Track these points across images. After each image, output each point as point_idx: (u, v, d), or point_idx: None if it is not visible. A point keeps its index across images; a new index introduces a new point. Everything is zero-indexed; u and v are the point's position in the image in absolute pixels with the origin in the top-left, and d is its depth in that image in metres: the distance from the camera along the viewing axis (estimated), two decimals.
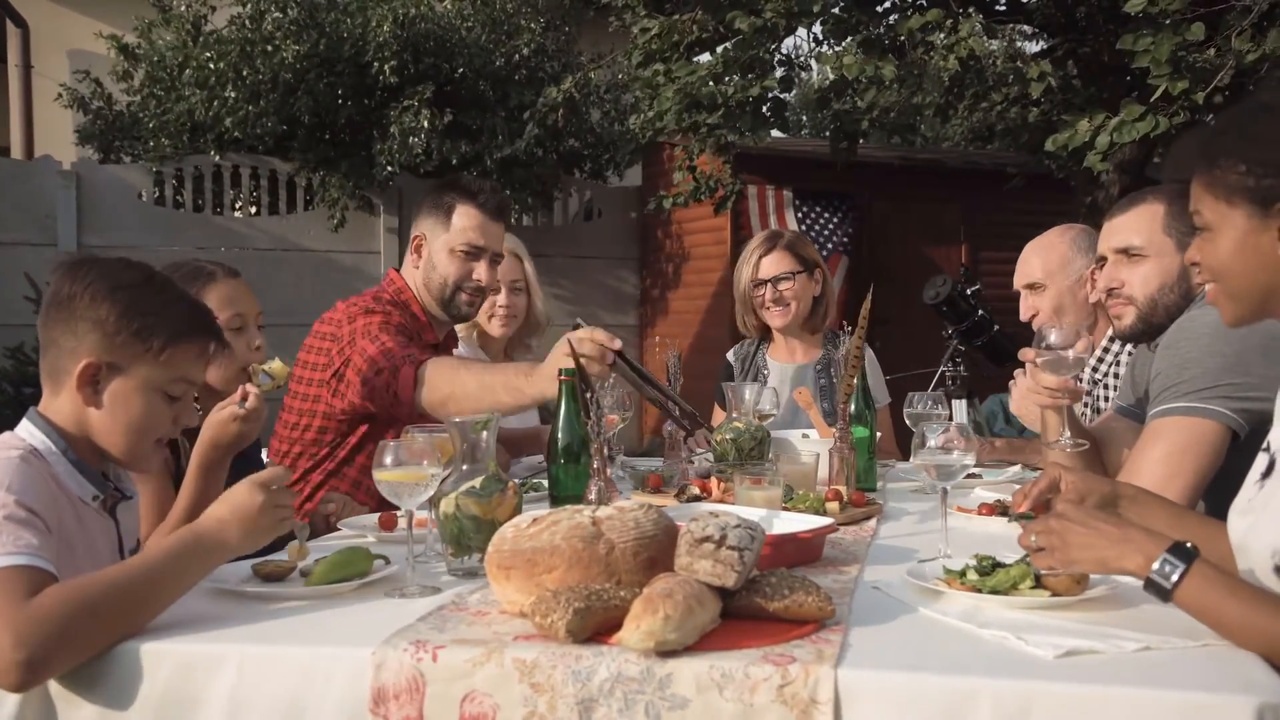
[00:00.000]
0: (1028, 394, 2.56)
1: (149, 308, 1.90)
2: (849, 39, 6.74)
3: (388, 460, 1.86)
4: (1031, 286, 3.12)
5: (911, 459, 2.11)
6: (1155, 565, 1.56)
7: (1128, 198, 2.58)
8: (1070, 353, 2.43)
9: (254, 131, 9.75)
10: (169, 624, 1.68)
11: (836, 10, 6.69)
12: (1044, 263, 3.10)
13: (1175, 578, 1.55)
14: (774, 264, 3.77)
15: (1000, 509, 2.47)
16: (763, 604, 1.60)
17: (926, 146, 15.09)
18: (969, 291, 6.89)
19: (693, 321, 10.47)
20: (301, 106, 9.68)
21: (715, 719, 1.44)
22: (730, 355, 4.00)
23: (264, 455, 2.94)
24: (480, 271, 3.14)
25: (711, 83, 6.56)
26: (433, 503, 1.98)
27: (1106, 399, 3.07)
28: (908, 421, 2.96)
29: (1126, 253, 2.54)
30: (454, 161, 9.77)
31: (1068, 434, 2.54)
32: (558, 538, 1.66)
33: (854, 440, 2.75)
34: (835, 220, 10.27)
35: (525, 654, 1.49)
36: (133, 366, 1.90)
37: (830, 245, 10.09)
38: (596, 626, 1.54)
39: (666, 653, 1.47)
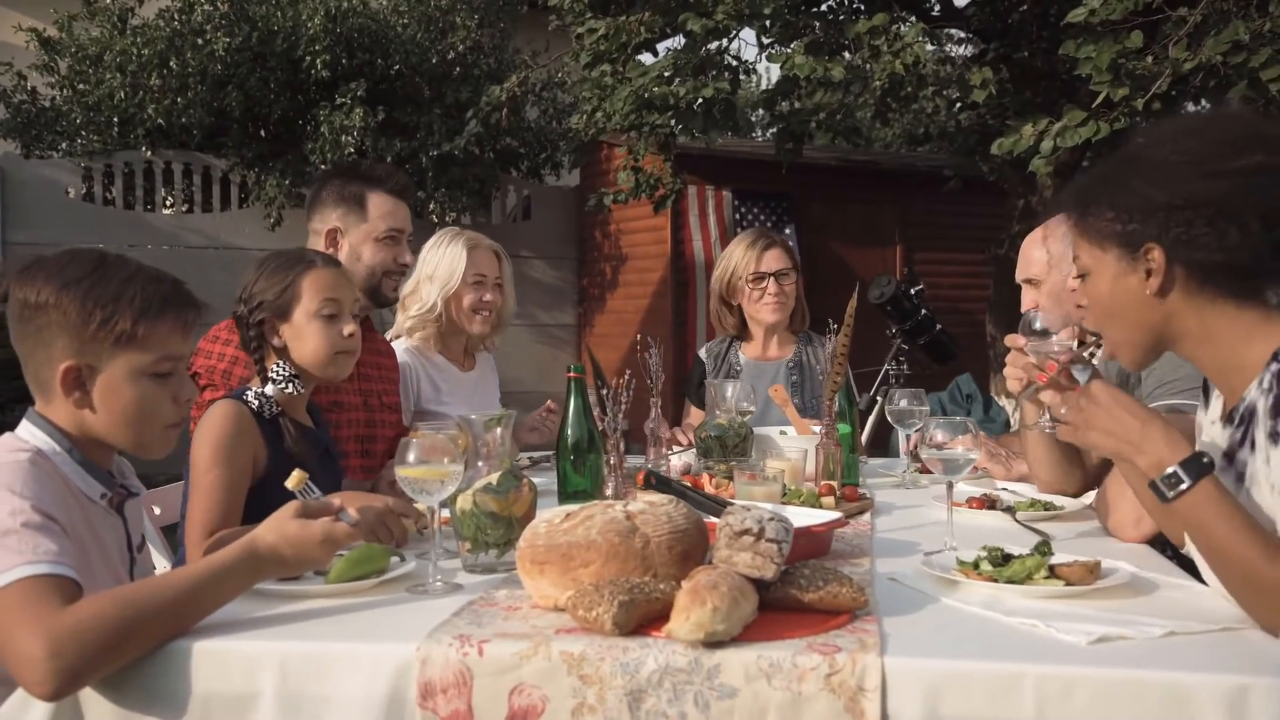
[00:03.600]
0: (1008, 377, 2.61)
1: (106, 295, 1.82)
2: (796, 41, 6.81)
3: (410, 457, 1.86)
4: (1029, 281, 3.17)
5: (921, 454, 2.15)
6: (1166, 472, 1.66)
7: None
8: (1054, 338, 2.49)
9: (181, 123, 9.59)
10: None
11: (784, 12, 6.75)
12: (1039, 258, 3.14)
13: (1181, 489, 1.64)
14: (776, 259, 3.82)
15: (989, 501, 2.53)
16: (798, 595, 1.63)
17: (863, 149, 15.28)
18: (912, 291, 7.02)
19: (632, 321, 10.51)
20: (233, 101, 9.56)
21: (763, 708, 1.47)
22: (703, 352, 4.04)
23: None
24: (405, 255, 3.17)
25: (664, 84, 6.60)
26: (448, 499, 1.98)
27: None
28: (889, 418, 3.03)
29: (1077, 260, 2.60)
30: (388, 159, 9.70)
31: (1047, 416, 2.60)
32: (593, 532, 1.68)
33: (839, 436, 2.80)
34: (773, 220, 10.38)
35: (572, 647, 1.51)
36: (111, 359, 1.84)
37: None
38: (640, 619, 1.56)
39: (714, 643, 1.49)
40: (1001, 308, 9.28)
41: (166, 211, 10.26)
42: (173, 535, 2.83)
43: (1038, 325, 2.50)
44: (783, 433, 3.26)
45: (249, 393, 2.36)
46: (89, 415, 1.86)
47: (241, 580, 1.71)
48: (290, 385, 2.40)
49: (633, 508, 1.73)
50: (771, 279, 3.81)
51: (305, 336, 2.45)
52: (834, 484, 2.59)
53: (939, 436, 2.08)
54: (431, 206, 10.21)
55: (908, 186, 11.03)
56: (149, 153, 9.85)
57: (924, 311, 6.95)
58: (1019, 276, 3.17)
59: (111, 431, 1.88)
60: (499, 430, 2.02)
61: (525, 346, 10.70)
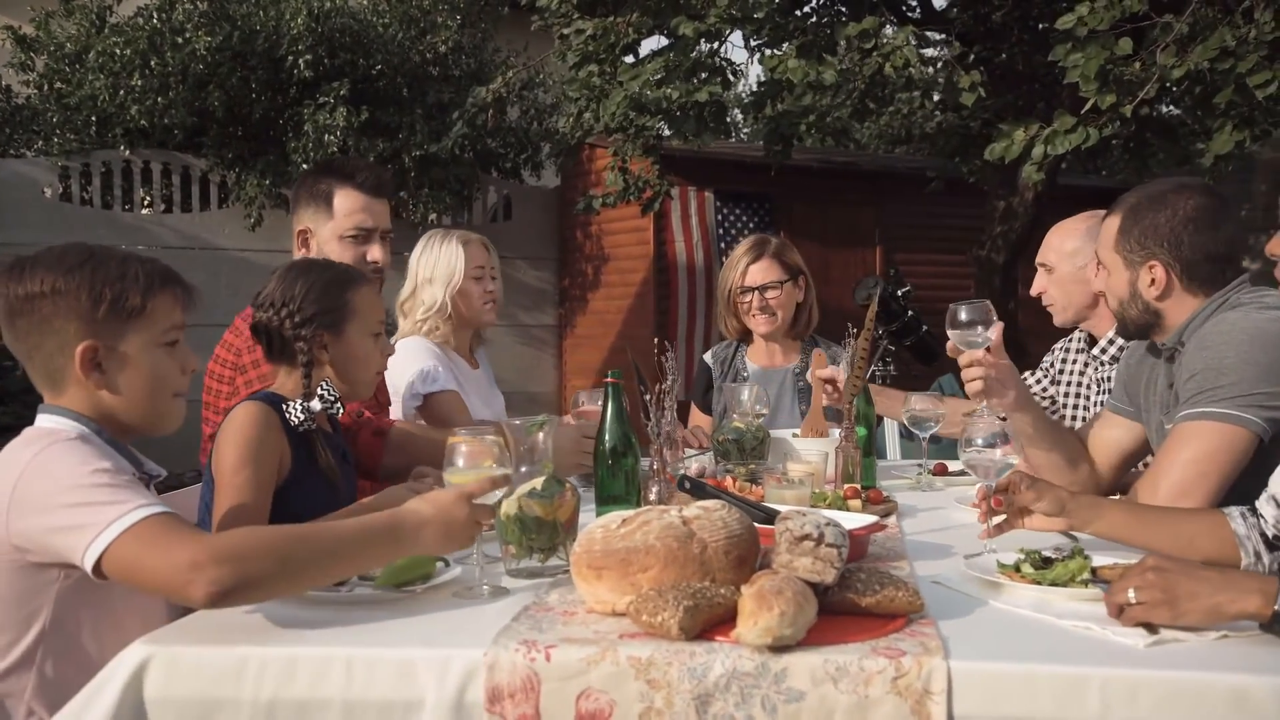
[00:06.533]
0: (965, 380, 2.66)
1: (110, 276, 1.89)
2: (786, 44, 6.84)
3: (460, 462, 1.87)
4: (1044, 265, 3.21)
5: (960, 458, 2.17)
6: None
7: (1119, 199, 2.57)
8: (979, 331, 2.53)
9: (162, 123, 9.53)
10: (253, 627, 1.67)
11: (774, 15, 6.78)
12: (1058, 246, 3.17)
13: None
14: (761, 272, 3.80)
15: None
16: (855, 599, 1.65)
17: (846, 150, 15.36)
18: (899, 293, 7.09)
19: (615, 322, 10.52)
20: (213, 100, 9.50)
21: (830, 711, 1.48)
22: (708, 357, 4.04)
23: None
24: (375, 253, 3.07)
25: (657, 87, 6.60)
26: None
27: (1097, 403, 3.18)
28: (905, 421, 3.05)
29: (1097, 260, 2.58)
30: (371, 160, 9.66)
31: (984, 405, 2.64)
32: (651, 537, 1.69)
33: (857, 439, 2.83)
34: (754, 222, 10.42)
35: (639, 652, 1.53)
36: (125, 335, 1.90)
37: None
38: (704, 624, 1.57)
39: (780, 648, 1.51)
40: None
41: (145, 211, 10.17)
42: None
43: (963, 316, 2.53)
44: (795, 435, 3.28)
45: (291, 404, 2.34)
46: (106, 395, 1.91)
47: (387, 547, 1.81)
48: (335, 408, 2.39)
49: (688, 513, 1.74)
50: (756, 293, 3.82)
51: (360, 355, 2.43)
52: (858, 486, 2.61)
53: (979, 440, 2.10)
54: (414, 207, 10.18)
55: (888, 188, 11.10)
56: (127, 152, 9.77)
57: (910, 313, 7.04)
58: (1038, 259, 3.22)
59: (130, 407, 1.93)
60: (541, 435, 2.03)
61: (506, 347, 10.69)
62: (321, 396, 2.33)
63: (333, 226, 3.03)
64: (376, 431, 2.78)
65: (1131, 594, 1.62)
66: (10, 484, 1.76)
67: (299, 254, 3.04)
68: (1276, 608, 1.56)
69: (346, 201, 3.04)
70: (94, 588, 1.83)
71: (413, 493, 2.29)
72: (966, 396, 3.35)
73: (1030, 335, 9.62)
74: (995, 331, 2.51)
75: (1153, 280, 2.44)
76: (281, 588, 1.69)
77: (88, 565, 1.67)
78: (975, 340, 2.51)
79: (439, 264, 3.53)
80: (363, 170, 3.08)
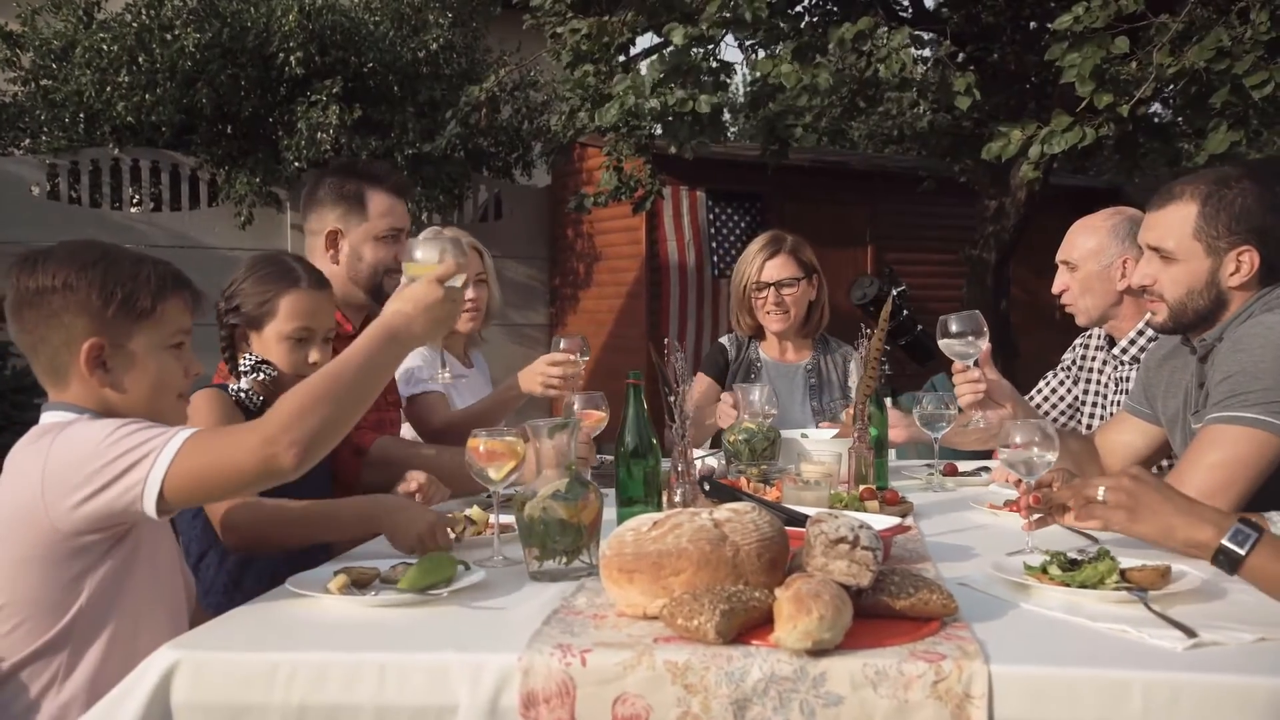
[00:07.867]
0: (958, 394, 2.68)
1: (122, 275, 1.90)
2: (782, 46, 6.83)
3: (417, 255, 2.06)
4: (1066, 263, 3.19)
5: (1000, 457, 2.16)
6: (1228, 535, 1.67)
7: (1166, 188, 2.50)
8: (970, 339, 2.54)
9: (150, 120, 9.47)
10: (283, 632, 1.65)
11: (767, 18, 6.77)
12: (1082, 243, 3.15)
13: (1248, 547, 1.66)
14: (777, 268, 3.82)
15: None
16: (889, 602, 1.64)
17: (837, 150, 15.37)
18: (895, 292, 7.09)
19: (606, 320, 10.50)
20: (202, 98, 9.45)
21: (869, 715, 1.47)
22: (725, 340, 4.05)
23: None
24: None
25: (653, 93, 6.57)
26: (514, 506, 1.99)
27: (1115, 402, 3.17)
28: (918, 421, 3.05)
29: (1159, 251, 2.48)
30: (364, 157, 9.63)
31: (978, 416, 2.66)
32: (684, 540, 1.67)
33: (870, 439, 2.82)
34: (746, 221, 10.42)
35: (676, 656, 1.51)
36: (133, 335, 1.91)
37: (741, 246, 10.24)
38: (740, 627, 1.56)
39: (819, 651, 1.50)
40: (973, 308, 9.36)
41: (134, 210, 10.11)
42: None
43: (953, 328, 2.53)
44: (804, 435, 3.28)
45: (229, 388, 2.45)
46: (110, 393, 1.91)
47: (392, 350, 1.93)
48: (259, 371, 2.46)
49: (719, 515, 1.73)
50: (772, 289, 3.83)
51: (271, 354, 2.52)
52: (873, 487, 2.60)
53: (1017, 438, 2.09)
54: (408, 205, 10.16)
55: (879, 187, 11.11)
56: (116, 150, 9.71)
57: (905, 312, 7.04)
58: (1059, 256, 3.20)
59: (132, 406, 1.93)
60: (564, 436, 2.01)
61: (498, 346, 10.66)
62: (243, 371, 2.46)
63: (367, 228, 3.07)
64: (356, 450, 2.79)
65: (1101, 491, 1.71)
66: (39, 472, 1.77)
67: (327, 254, 3.06)
68: (1223, 541, 1.64)
69: (380, 203, 3.09)
70: (127, 573, 1.84)
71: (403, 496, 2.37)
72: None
73: (1021, 333, 9.66)
74: (983, 347, 2.53)
75: (1237, 268, 2.38)
76: (345, 422, 1.82)
77: (150, 499, 1.71)
78: (966, 351, 2.53)
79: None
80: (389, 173, 3.16)
